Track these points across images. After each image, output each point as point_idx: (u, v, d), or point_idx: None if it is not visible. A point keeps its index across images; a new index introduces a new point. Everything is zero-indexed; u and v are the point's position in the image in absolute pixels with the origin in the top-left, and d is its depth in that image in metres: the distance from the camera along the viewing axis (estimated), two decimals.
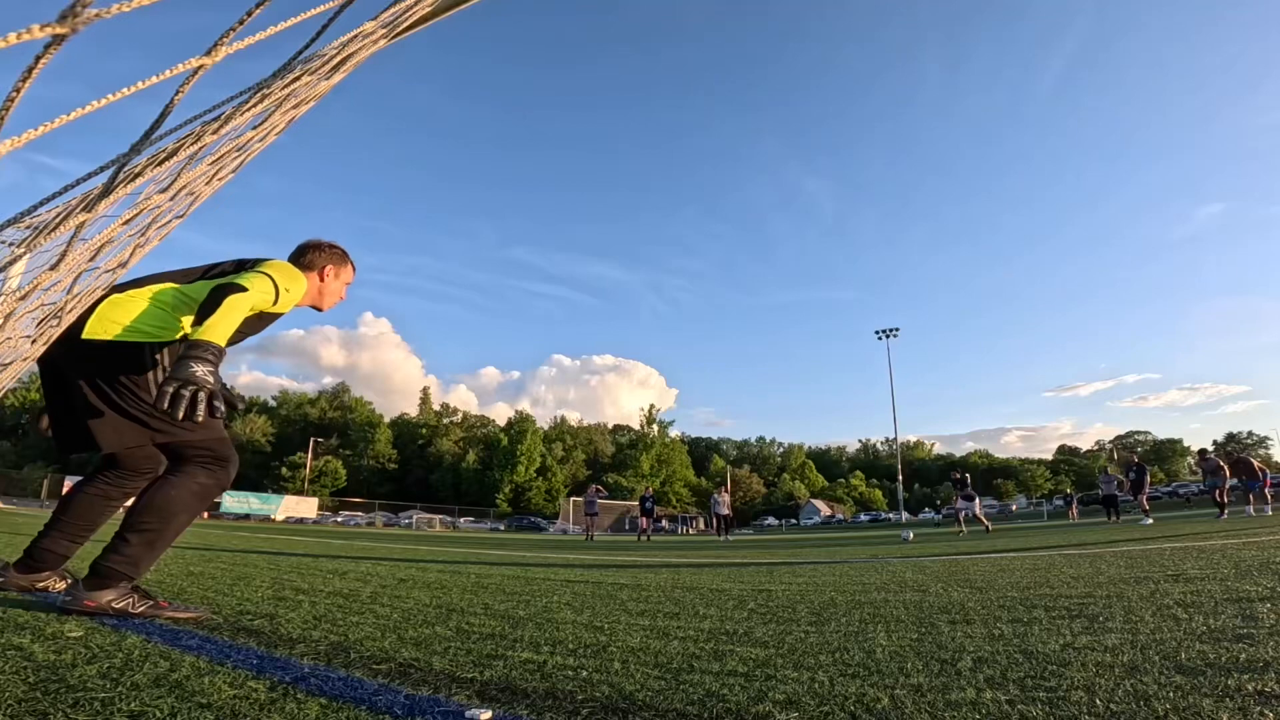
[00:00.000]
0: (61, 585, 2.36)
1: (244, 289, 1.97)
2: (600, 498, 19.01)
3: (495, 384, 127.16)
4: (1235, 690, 1.23)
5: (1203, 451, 15.10)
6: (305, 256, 2.47)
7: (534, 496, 66.92)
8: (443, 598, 2.92)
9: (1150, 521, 13.07)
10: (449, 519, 51.92)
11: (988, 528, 14.50)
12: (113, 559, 2.03)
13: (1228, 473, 14.16)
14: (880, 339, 48.86)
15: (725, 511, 18.47)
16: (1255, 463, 15.12)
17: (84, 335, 2.01)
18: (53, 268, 1.26)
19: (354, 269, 2.64)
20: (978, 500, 15.03)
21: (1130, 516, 16.91)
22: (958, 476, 15.41)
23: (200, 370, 1.72)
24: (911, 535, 11.35)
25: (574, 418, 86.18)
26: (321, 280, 2.49)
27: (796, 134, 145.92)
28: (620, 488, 66.89)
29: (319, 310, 2.59)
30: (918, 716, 1.16)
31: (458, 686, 1.37)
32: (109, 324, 2.04)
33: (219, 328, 1.86)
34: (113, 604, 2.02)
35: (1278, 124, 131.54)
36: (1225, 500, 13.62)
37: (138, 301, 2.11)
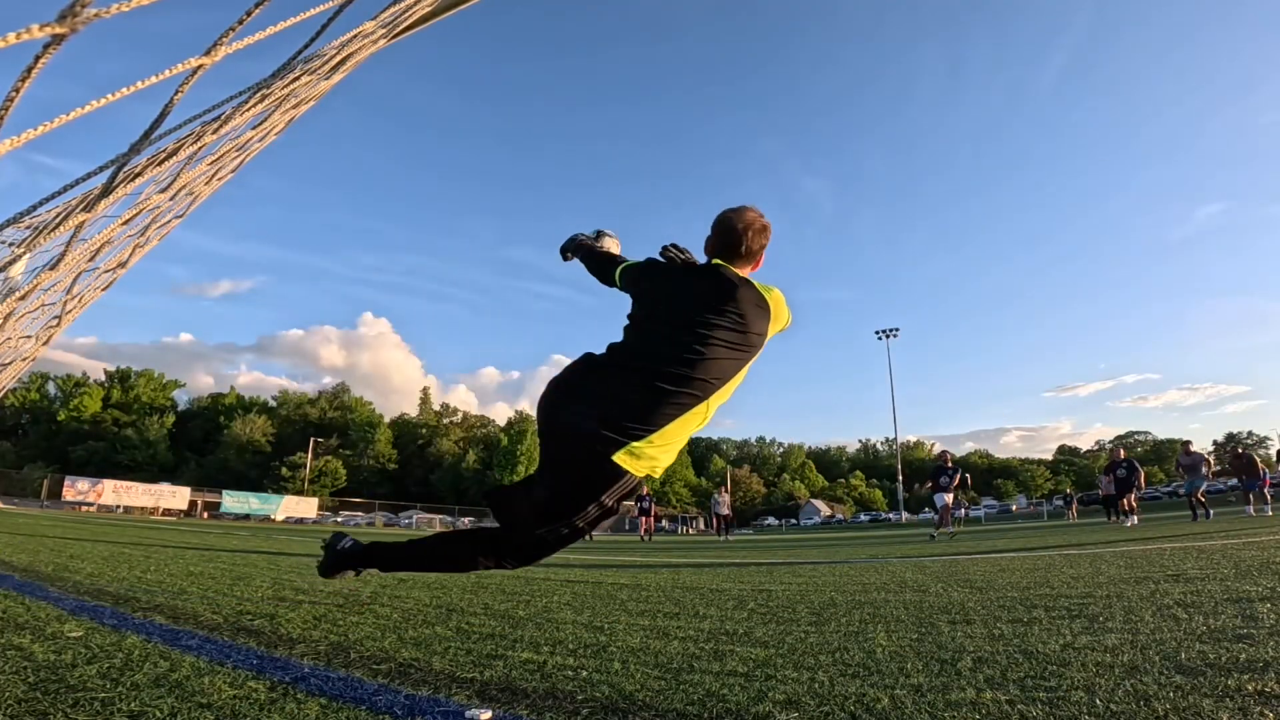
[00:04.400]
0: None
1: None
2: None
3: (495, 384, 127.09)
4: (1235, 690, 1.23)
5: (1186, 444, 13.52)
6: (761, 242, 2.00)
7: None
8: (443, 598, 2.92)
9: (1134, 522, 12.73)
10: (449, 519, 51.93)
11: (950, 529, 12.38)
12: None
13: (1210, 473, 13.14)
14: (880, 339, 48.83)
15: (725, 512, 18.44)
16: (1258, 462, 14.21)
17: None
18: (52, 268, 1.26)
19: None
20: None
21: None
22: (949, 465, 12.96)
23: None
24: (936, 535, 10.87)
25: None
26: (756, 269, 2.08)
27: (795, 133, 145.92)
28: None
29: None
30: (918, 716, 1.16)
31: (458, 686, 1.37)
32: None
33: None
34: None
35: (1277, 123, 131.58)
36: (1202, 501, 12.51)
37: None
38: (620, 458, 1.67)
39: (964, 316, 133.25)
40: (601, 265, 2.20)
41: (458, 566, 2.04)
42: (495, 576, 4.13)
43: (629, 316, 1.96)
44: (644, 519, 17.95)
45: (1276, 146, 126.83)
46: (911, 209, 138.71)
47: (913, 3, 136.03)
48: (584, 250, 2.34)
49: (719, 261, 1.97)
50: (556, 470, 1.78)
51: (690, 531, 49.69)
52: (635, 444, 1.67)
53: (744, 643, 1.89)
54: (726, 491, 19.67)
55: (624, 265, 2.10)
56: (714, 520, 19.54)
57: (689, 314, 1.80)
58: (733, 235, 1.95)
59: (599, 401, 1.72)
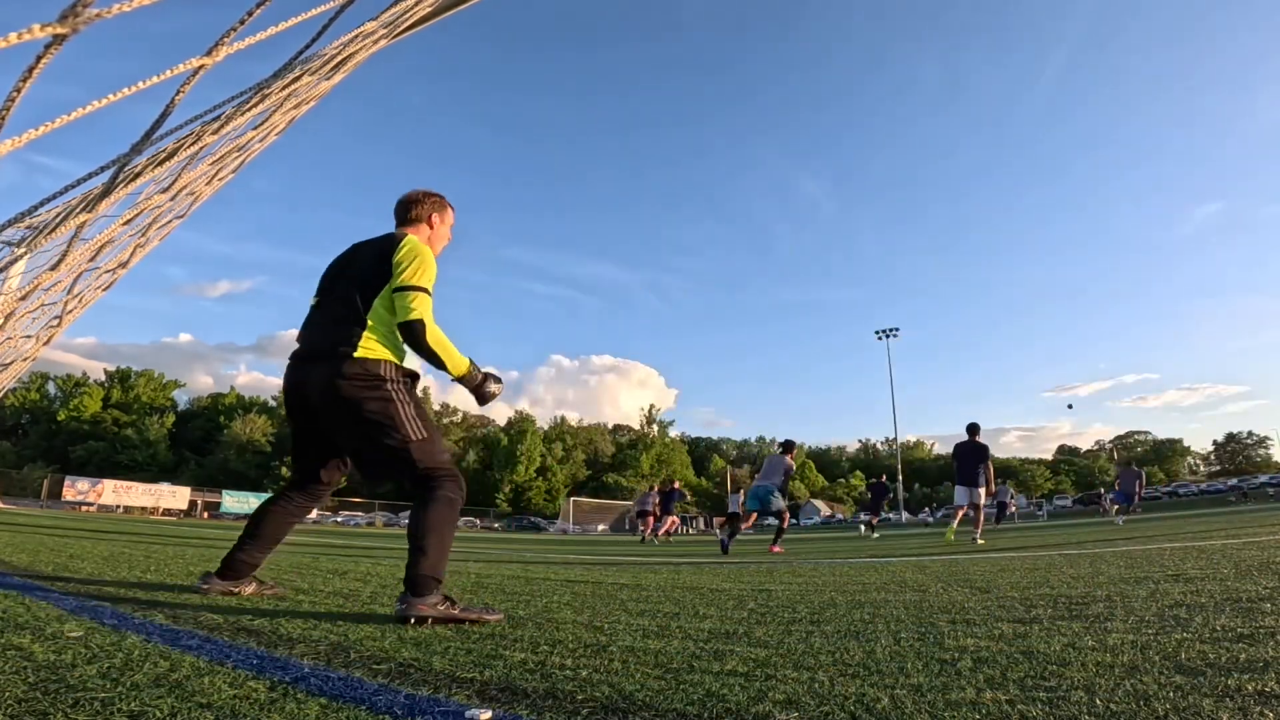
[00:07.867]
0: (250, 589, 2.63)
1: (423, 323, 2.30)
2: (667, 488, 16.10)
3: None
4: (1235, 690, 1.23)
5: (1129, 463, 15.96)
6: (411, 211, 2.65)
7: (534, 496, 66.95)
8: None
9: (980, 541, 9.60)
10: None
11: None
12: (422, 568, 2.17)
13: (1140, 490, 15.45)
14: (880, 339, 48.85)
15: (651, 509, 15.60)
16: (1137, 475, 15.62)
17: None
18: (53, 268, 1.26)
19: (453, 210, 2.80)
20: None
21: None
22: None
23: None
24: (876, 535, 9.51)
25: (574, 418, 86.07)
26: (431, 229, 2.68)
27: (794, 133, 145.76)
28: (620, 488, 66.92)
29: None
30: (918, 716, 1.16)
31: (458, 686, 1.37)
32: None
33: (454, 358, 2.41)
34: (438, 606, 2.15)
35: (1277, 123, 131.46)
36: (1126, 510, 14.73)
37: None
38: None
39: (964, 316, 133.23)
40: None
41: None
42: (495, 576, 4.13)
43: None
44: (648, 519, 15.70)
45: (1276, 146, 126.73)
46: (911, 208, 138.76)
47: (913, 1, 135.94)
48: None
49: None
50: None
51: (690, 531, 49.71)
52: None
53: (744, 643, 1.89)
54: (660, 488, 16.54)
55: None
56: (641, 518, 16.10)
57: None
58: None
59: None
